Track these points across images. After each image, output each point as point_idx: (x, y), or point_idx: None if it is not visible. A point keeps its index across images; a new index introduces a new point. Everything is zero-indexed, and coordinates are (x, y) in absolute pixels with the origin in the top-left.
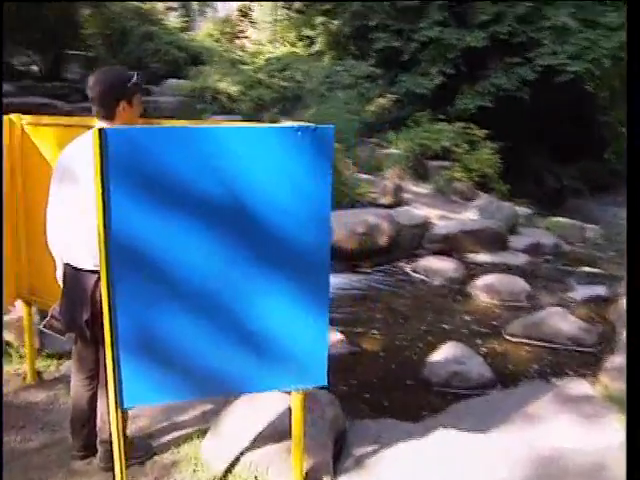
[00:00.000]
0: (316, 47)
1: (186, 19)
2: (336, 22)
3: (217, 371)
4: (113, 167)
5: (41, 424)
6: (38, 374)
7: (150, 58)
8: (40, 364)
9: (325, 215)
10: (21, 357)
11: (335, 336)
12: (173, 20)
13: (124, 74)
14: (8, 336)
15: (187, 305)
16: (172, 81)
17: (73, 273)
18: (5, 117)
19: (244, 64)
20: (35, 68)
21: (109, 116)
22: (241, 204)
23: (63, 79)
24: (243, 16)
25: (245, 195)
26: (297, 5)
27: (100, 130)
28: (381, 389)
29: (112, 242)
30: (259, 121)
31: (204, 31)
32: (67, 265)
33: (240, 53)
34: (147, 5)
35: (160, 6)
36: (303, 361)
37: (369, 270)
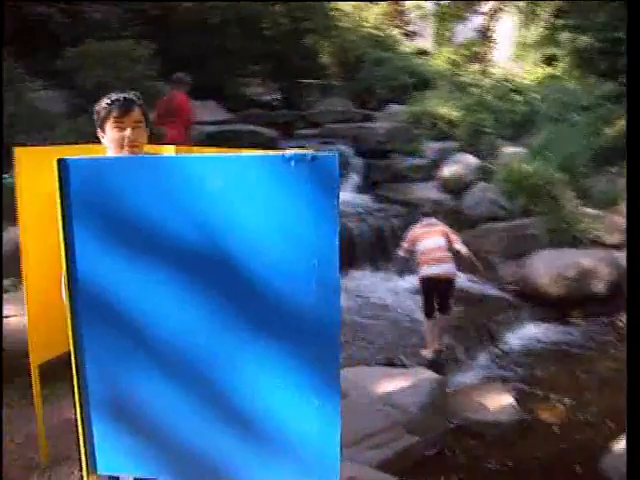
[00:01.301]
0: (559, 66)
1: (423, 44)
2: (584, 37)
3: (198, 451)
4: (76, 202)
5: None
6: None
7: (379, 84)
8: None
9: (331, 271)
10: None
11: (504, 399)
12: (409, 45)
13: (103, 101)
14: None
15: (159, 367)
16: (393, 106)
17: None
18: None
19: (473, 87)
20: (269, 98)
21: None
22: (220, 252)
23: (293, 108)
24: (484, 38)
25: (225, 241)
26: (542, 22)
27: (60, 160)
28: (542, 474)
29: (78, 285)
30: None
31: (441, 55)
32: None
33: (472, 76)
34: (383, 32)
35: (396, 32)
36: (306, 452)
37: (578, 321)
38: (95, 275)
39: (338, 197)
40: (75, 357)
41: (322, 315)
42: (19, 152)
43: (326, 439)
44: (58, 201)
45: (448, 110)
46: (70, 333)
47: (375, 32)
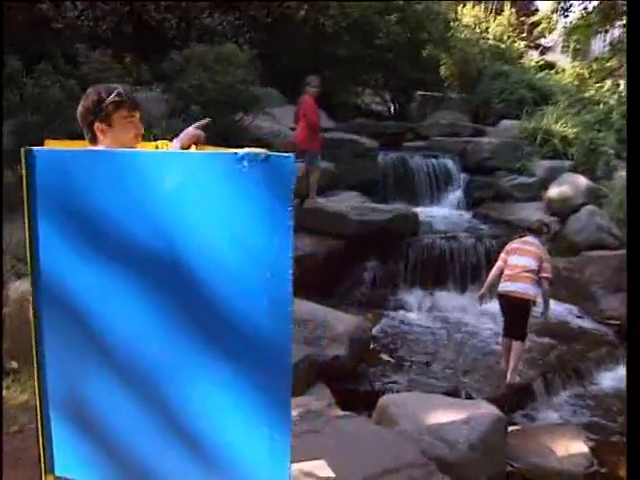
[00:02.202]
0: None
1: (552, 57)
2: None
3: (146, 464)
4: (40, 193)
5: None
6: None
7: (496, 98)
8: None
9: (283, 283)
10: None
11: (577, 445)
12: (535, 58)
13: (104, 91)
14: None
15: (112, 372)
16: (506, 122)
17: None
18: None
19: (597, 104)
20: (379, 108)
21: (91, 139)
22: (172, 255)
23: (403, 119)
24: (619, 52)
25: (177, 244)
26: None
27: (26, 150)
28: None
29: (41, 279)
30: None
31: (569, 69)
32: None
33: (598, 92)
34: (504, 44)
35: (521, 45)
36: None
37: None
38: (56, 266)
39: (291, 201)
40: (36, 354)
41: (273, 338)
42: (48, 143)
43: (276, 471)
44: (25, 191)
45: (564, 127)
46: (32, 331)
47: (497, 44)
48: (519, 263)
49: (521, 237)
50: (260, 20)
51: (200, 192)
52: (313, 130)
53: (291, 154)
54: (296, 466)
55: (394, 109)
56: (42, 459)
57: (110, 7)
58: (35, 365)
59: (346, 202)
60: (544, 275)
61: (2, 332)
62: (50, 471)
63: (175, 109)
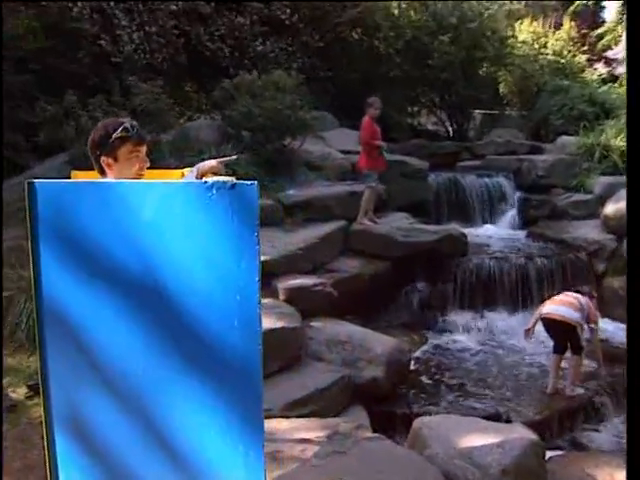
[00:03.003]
0: None
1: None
2: None
3: (138, 476)
4: (42, 223)
5: None
6: None
7: (555, 114)
8: None
9: (251, 307)
10: None
11: (621, 475)
12: (597, 72)
13: (111, 126)
14: None
15: (109, 391)
16: (565, 138)
17: None
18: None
19: None
20: (435, 128)
21: (99, 170)
22: (154, 282)
23: (459, 138)
24: None
25: (158, 270)
26: None
27: (28, 183)
28: None
29: (43, 304)
30: None
31: None
32: None
33: None
34: (564, 59)
35: (582, 58)
36: None
37: None
38: (57, 292)
39: (257, 226)
40: (41, 373)
41: (243, 357)
42: (75, 175)
43: None
44: (28, 220)
45: (624, 141)
46: (38, 351)
47: (557, 59)
48: (563, 294)
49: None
50: (312, 45)
51: (175, 219)
52: (367, 150)
53: (254, 182)
54: None
55: (451, 129)
56: (48, 473)
57: (166, 39)
58: (40, 383)
59: (395, 223)
60: (592, 315)
61: (2, 333)
62: None
63: (225, 136)
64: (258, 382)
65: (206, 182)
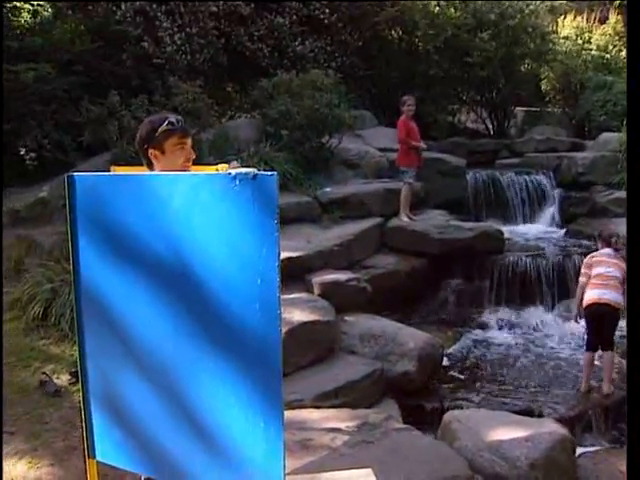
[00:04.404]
0: None
1: None
2: None
3: (167, 453)
4: (80, 214)
5: None
6: None
7: (598, 110)
8: None
9: (271, 291)
10: None
11: None
12: None
13: (157, 121)
14: None
15: (141, 371)
16: (607, 135)
17: None
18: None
19: None
20: (475, 126)
21: (147, 164)
22: (183, 267)
23: (500, 136)
24: None
25: (186, 256)
26: None
27: (68, 176)
28: None
29: (81, 289)
30: None
31: None
32: None
33: None
34: (609, 54)
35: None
36: (253, 472)
37: None
38: (94, 278)
39: (276, 215)
40: (79, 353)
41: (264, 338)
42: (114, 169)
43: (271, 462)
44: (67, 211)
45: None
46: (76, 333)
47: (601, 54)
48: (603, 272)
49: (601, 250)
50: (351, 44)
51: (202, 208)
52: (403, 147)
53: (274, 172)
54: (343, 474)
55: (492, 126)
56: (85, 446)
57: (206, 40)
58: (78, 362)
59: (431, 221)
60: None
61: (2, 330)
62: (92, 456)
63: (264, 134)
64: (277, 362)
65: (230, 173)
